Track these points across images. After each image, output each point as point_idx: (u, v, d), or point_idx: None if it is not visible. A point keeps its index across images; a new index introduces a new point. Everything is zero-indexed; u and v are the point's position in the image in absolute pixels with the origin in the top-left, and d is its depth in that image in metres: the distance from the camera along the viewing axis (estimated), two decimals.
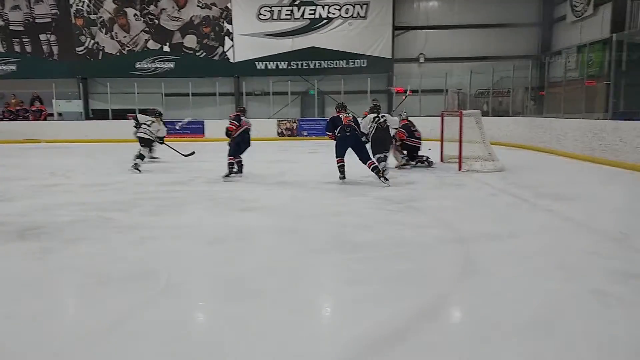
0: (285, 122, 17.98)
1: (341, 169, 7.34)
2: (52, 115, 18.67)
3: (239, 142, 7.98)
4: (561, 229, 4.58)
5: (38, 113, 18.62)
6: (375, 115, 7.81)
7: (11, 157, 12.10)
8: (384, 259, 3.64)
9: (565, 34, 17.06)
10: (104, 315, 2.66)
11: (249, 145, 8.23)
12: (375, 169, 7.03)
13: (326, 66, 18.71)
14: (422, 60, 18.88)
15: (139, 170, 8.68)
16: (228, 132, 8.04)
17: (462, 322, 2.71)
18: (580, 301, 2.82)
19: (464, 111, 9.12)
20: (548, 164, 9.65)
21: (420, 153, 9.25)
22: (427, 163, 9.20)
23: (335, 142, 7.41)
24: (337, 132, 7.28)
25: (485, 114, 15.06)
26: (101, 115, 18.80)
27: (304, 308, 2.79)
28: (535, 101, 15.30)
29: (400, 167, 9.15)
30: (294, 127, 17.97)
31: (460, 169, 8.36)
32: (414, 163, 9.13)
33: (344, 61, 18.60)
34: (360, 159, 7.21)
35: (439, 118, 10.04)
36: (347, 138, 7.20)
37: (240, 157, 8.14)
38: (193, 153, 10.16)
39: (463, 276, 3.32)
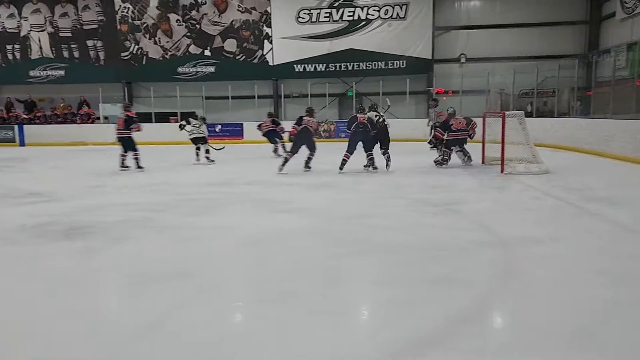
0: (323, 123, 18.00)
1: (344, 162, 8.73)
2: (98, 118, 19.32)
3: (295, 140, 9.06)
4: (607, 233, 4.41)
5: (86, 116, 19.31)
6: (375, 114, 9.09)
7: (60, 159, 12.59)
8: (420, 262, 3.59)
9: (615, 32, 16.40)
10: (144, 314, 2.72)
11: (305, 143, 8.96)
12: (370, 159, 8.71)
13: (364, 68, 18.63)
14: (463, 60, 18.53)
15: (213, 160, 10.69)
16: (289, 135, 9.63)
17: (501, 327, 2.64)
18: (624, 309, 2.70)
19: (507, 112, 8.89)
20: (595, 166, 9.30)
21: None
22: (467, 158, 9.39)
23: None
24: (352, 127, 8.78)
25: (529, 114, 14.67)
26: (144, 118, 19.28)
27: (339, 310, 2.78)
28: (581, 101, 14.77)
29: (436, 162, 9.41)
30: (332, 129, 17.98)
31: (502, 171, 8.16)
32: (448, 159, 9.33)
33: (383, 62, 18.47)
34: (364, 149, 8.70)
35: (481, 119, 9.82)
36: (359, 133, 8.66)
37: (295, 154, 8.99)
38: (223, 147, 11.71)
39: (502, 280, 3.24)
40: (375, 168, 8.71)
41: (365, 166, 8.83)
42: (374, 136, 8.78)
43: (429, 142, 10.10)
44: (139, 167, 9.61)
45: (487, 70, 17.09)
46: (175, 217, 5.27)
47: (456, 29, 18.55)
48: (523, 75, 15.91)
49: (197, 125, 10.84)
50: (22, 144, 18.23)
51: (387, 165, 8.91)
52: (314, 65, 18.82)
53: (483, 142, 9.65)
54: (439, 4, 18.23)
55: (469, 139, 9.43)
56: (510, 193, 6.63)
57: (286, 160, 8.84)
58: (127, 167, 9.78)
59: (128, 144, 9.83)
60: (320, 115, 18.44)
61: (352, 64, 18.64)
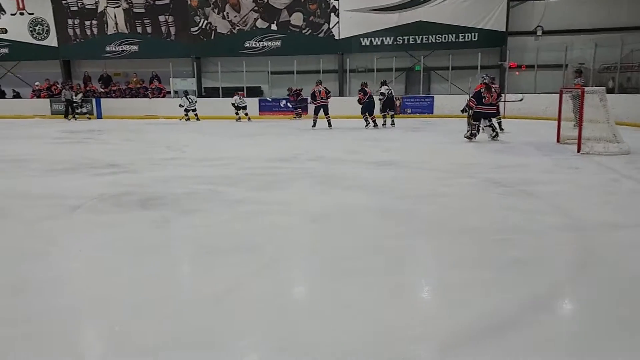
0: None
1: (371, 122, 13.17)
2: (169, 92, 19.99)
3: (367, 104, 13.21)
4: None
5: (157, 91, 20.02)
6: (386, 87, 13.39)
7: (134, 132, 13.18)
8: (492, 245, 3.46)
9: None
10: (213, 284, 2.80)
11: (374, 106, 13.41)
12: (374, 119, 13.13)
13: (433, 41, 18.02)
14: (539, 32, 17.46)
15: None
16: (358, 100, 13.42)
17: (580, 315, 2.50)
18: None
19: (586, 88, 8.36)
20: None
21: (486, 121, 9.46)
22: (495, 134, 9.35)
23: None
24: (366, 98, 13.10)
25: (610, 91, 13.72)
26: (212, 92, 19.79)
27: (406, 290, 2.74)
28: None
29: (466, 137, 9.39)
30: (398, 105, 17.62)
31: (579, 150, 7.70)
32: (477, 133, 9.35)
33: (453, 35, 17.77)
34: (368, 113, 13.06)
35: (557, 95, 9.29)
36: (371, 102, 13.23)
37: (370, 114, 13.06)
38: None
39: (581, 267, 3.06)
40: (375, 125, 13.12)
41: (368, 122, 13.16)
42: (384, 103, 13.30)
43: (462, 111, 9.94)
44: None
45: (565, 43, 16.07)
46: (241, 191, 5.37)
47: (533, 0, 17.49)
48: (605, 49, 14.87)
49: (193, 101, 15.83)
50: (99, 116, 19.21)
51: (392, 123, 13.39)
52: (380, 38, 18.42)
53: (559, 120, 9.14)
54: None
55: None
56: (587, 174, 6.25)
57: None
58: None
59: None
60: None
61: (420, 37, 18.07)
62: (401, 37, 18.23)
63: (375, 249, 3.42)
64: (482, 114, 9.28)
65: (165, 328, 2.27)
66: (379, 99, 13.55)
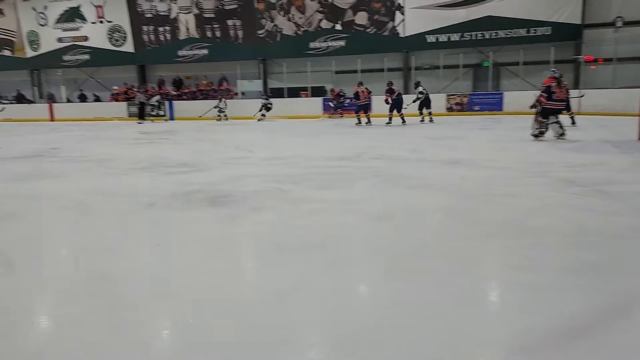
0: (455, 96, 17.31)
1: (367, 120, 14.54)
2: (236, 94, 20.58)
3: (395, 101, 14.38)
4: None
5: (225, 92, 20.66)
6: (422, 87, 14.79)
7: (203, 132, 13.69)
8: (564, 247, 3.31)
9: None
10: (279, 281, 2.86)
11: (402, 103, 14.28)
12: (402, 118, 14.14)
13: (503, 36, 17.44)
14: (619, 24, 16.44)
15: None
16: (385, 101, 14.40)
17: None
18: None
19: None
20: None
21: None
22: (562, 130, 8.86)
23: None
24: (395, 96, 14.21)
25: None
26: (277, 93, 20.19)
27: (473, 292, 2.68)
28: None
29: (534, 136, 8.91)
30: (465, 102, 17.21)
31: None
32: (545, 131, 8.89)
33: (524, 30, 17.11)
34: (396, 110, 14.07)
35: (638, 90, 8.73)
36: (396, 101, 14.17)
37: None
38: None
39: None
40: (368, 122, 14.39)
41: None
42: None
43: (531, 107, 9.43)
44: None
45: None
46: (306, 189, 5.45)
47: None
48: None
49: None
50: (171, 118, 20.09)
51: (430, 119, 14.63)
52: (447, 35, 18.06)
53: None
54: None
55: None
56: None
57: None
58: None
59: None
60: (454, 88, 17.79)
61: (489, 32, 17.55)
62: (469, 33, 17.78)
63: (441, 249, 3.37)
64: (551, 110, 8.83)
65: (230, 324, 2.35)
66: (418, 99, 14.96)
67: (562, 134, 8.93)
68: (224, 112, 18.67)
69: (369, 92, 14.76)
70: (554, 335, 2.16)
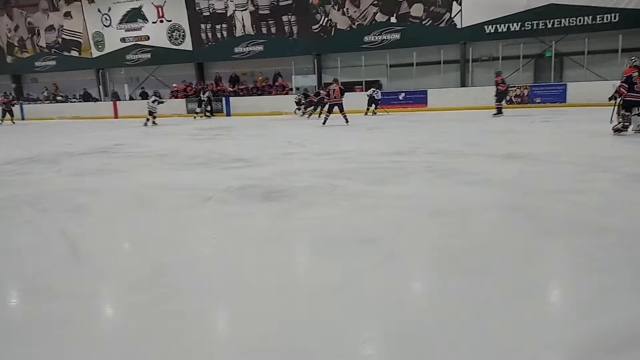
0: (514, 88, 16.70)
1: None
2: (292, 89, 20.75)
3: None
4: None
5: (280, 88, 20.88)
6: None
7: (259, 128, 13.90)
8: (632, 248, 3.11)
9: None
10: (332, 276, 2.86)
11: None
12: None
13: (567, 24, 16.64)
14: None
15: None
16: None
17: None
18: None
19: None
20: None
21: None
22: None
23: None
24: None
25: None
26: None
27: (534, 292, 2.56)
28: None
29: (615, 130, 8.32)
30: (525, 94, 16.58)
31: None
32: (630, 124, 8.25)
33: (590, 17, 16.25)
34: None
35: None
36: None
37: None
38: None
39: None
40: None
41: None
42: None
43: (610, 98, 8.79)
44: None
45: None
46: (359, 184, 5.41)
47: None
48: None
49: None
50: (228, 114, 20.53)
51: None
52: (507, 24, 17.43)
53: None
54: None
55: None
56: None
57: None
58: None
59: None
60: (513, 79, 17.19)
61: (552, 20, 16.79)
62: (530, 22, 17.09)
63: (499, 247, 3.25)
64: (634, 102, 8.21)
65: (282, 317, 2.37)
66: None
67: None
68: (153, 114, 16.50)
69: (342, 91, 13.62)
70: (621, 341, 2.03)
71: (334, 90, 13.35)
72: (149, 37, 23.60)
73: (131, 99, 24.08)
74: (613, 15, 15.98)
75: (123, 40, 24.09)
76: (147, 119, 16.17)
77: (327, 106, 13.66)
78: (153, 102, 16.29)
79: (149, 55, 23.78)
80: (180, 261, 3.19)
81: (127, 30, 23.94)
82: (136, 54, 24.00)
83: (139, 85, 24.37)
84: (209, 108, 20.17)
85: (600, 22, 16.21)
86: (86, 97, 24.95)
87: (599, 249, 3.12)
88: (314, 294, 2.63)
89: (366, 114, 17.28)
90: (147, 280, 2.89)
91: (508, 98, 16.67)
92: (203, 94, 20.25)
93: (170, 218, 4.34)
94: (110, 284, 2.92)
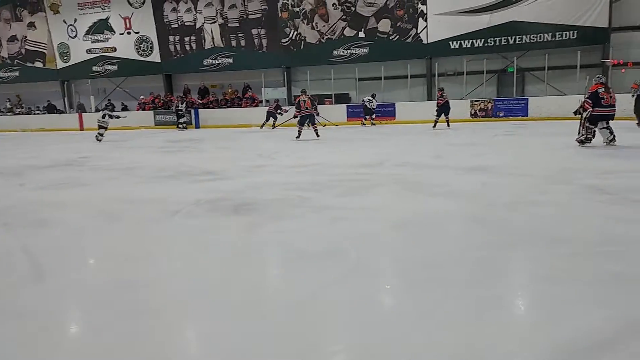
0: (479, 102, 17.15)
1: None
2: (261, 102, 20.78)
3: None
4: None
5: (250, 100, 20.89)
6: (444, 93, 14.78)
7: (228, 141, 13.86)
8: (591, 258, 3.25)
9: None
10: (300, 289, 2.89)
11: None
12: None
13: (528, 41, 17.22)
14: None
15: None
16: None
17: None
18: None
19: None
20: None
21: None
22: (612, 137, 8.64)
23: None
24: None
25: None
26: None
27: (493, 303, 2.65)
28: None
29: (579, 142, 8.70)
30: (489, 108, 17.04)
31: None
32: (592, 137, 8.63)
33: (549, 34, 16.86)
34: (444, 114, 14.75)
35: None
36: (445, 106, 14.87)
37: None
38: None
39: None
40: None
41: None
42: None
43: (575, 112, 9.21)
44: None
45: None
46: (328, 197, 5.47)
47: None
48: None
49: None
50: (197, 126, 20.39)
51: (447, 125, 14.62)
52: (470, 40, 17.93)
53: None
54: None
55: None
56: None
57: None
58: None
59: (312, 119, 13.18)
60: (478, 94, 17.64)
61: (513, 37, 17.36)
62: (492, 39, 17.62)
63: (462, 258, 3.34)
64: (600, 116, 8.58)
65: (250, 331, 2.39)
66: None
67: (612, 140, 8.69)
68: (104, 127, 15.04)
69: (313, 103, 13.43)
70: (576, 351, 2.12)
71: (305, 101, 12.98)
72: (116, 49, 23.30)
73: (97, 110, 23.61)
74: (571, 32, 16.64)
75: (89, 51, 23.71)
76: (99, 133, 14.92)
77: (299, 119, 13.23)
78: (103, 117, 14.92)
79: (115, 67, 23.47)
80: (146, 277, 3.17)
81: (94, 41, 23.59)
82: (103, 65, 23.65)
83: (105, 97, 23.98)
84: (182, 120, 19.97)
85: (560, 39, 16.84)
86: (50, 109, 24.39)
87: (557, 259, 3.24)
88: (282, 307, 2.65)
89: (363, 124, 17.44)
90: (113, 297, 2.87)
91: (473, 112, 17.11)
92: (181, 104, 20.08)
93: (136, 233, 4.30)
94: (75, 302, 2.88)
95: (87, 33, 23.55)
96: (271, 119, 17.97)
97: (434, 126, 14.82)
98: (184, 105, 20.02)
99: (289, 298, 2.77)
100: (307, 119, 13.05)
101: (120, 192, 6.30)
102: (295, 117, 13.66)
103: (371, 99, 17.38)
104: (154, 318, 2.56)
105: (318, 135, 12.97)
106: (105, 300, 2.81)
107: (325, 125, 16.67)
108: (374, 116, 17.37)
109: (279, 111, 17.83)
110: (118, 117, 15.48)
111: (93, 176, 7.79)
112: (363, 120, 17.63)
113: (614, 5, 16.16)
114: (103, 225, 4.64)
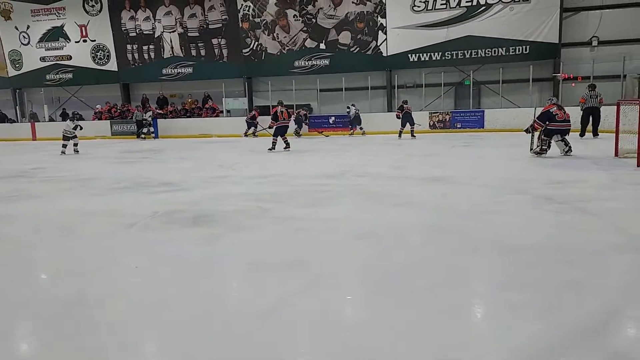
0: (437, 114, 17.52)
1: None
2: (222, 112, 20.59)
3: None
4: None
5: (210, 110, 20.66)
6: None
7: (188, 151, 13.63)
8: (545, 265, 3.35)
9: None
10: (261, 301, 2.85)
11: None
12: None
13: (483, 55, 17.73)
14: (595, 43, 16.86)
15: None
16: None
17: (635, 342, 2.37)
18: None
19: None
20: None
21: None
22: (568, 148, 9.07)
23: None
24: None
25: None
26: (263, 111, 20.26)
27: (453, 311, 2.69)
28: None
29: (535, 153, 9.12)
30: (447, 119, 17.42)
31: (639, 165, 7.34)
32: (547, 149, 9.08)
33: (503, 49, 17.41)
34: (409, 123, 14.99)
35: (614, 107, 8.94)
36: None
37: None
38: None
39: None
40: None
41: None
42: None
43: (525, 130, 9.69)
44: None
45: (623, 53, 15.43)
46: (289, 207, 5.45)
47: (587, 10, 16.92)
48: None
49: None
50: (156, 136, 19.98)
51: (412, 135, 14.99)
52: (429, 54, 18.31)
53: (617, 133, 8.77)
54: None
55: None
56: None
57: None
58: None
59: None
60: (436, 106, 18.02)
61: (469, 51, 17.84)
62: (450, 52, 18.06)
63: (423, 268, 3.38)
64: (555, 130, 9.07)
65: (210, 345, 2.33)
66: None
67: (568, 151, 9.10)
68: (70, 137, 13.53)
69: (290, 114, 13.20)
70: (530, 356, 2.17)
71: (282, 112, 12.41)
72: (71, 57, 22.64)
73: (51, 120, 22.87)
74: (524, 47, 17.25)
75: (43, 59, 22.94)
76: (65, 145, 13.49)
77: (274, 130, 12.53)
78: (75, 128, 13.46)
79: (70, 75, 22.78)
80: (100, 292, 3.05)
81: (48, 49, 22.85)
82: (57, 73, 22.91)
83: (60, 106, 23.22)
84: (145, 130, 19.46)
85: (513, 53, 17.43)
86: (1, 119, 23.41)
87: (513, 268, 3.32)
88: (243, 321, 2.61)
89: (351, 134, 17.38)
90: (66, 314, 2.75)
91: (432, 123, 17.46)
92: (145, 113, 19.60)
93: (90, 246, 4.15)
94: (26, 319, 2.75)
95: (40, 40, 22.80)
96: (252, 128, 18.00)
97: (399, 136, 15.07)
98: (149, 115, 19.56)
99: (250, 310, 2.73)
100: (283, 130, 12.49)
101: (74, 204, 6.08)
102: (270, 127, 13.42)
103: (352, 106, 17.45)
104: (108, 336, 2.47)
105: (289, 147, 12.47)
106: (58, 317, 2.69)
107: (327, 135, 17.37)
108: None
109: (256, 121, 17.94)
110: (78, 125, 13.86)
111: (45, 188, 7.50)
112: (351, 130, 17.51)
113: (564, 22, 16.87)
114: (55, 239, 4.46)
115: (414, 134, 15.12)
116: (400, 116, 15.02)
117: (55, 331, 2.52)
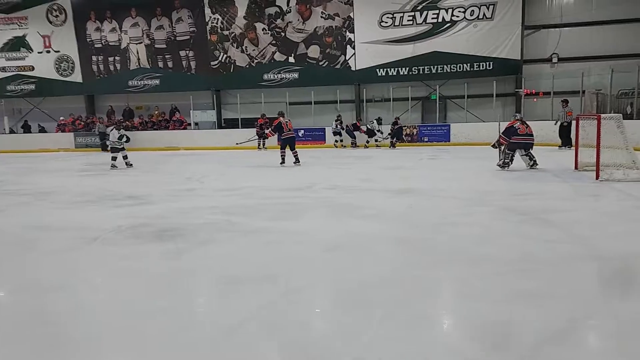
0: (405, 128, 17.77)
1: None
2: (189, 124, 20.37)
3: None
4: None
5: (178, 123, 20.42)
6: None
7: (155, 163, 13.41)
8: (508, 275, 3.42)
9: None
10: (229, 315, 2.82)
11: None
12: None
13: (448, 70, 18.15)
14: (555, 60, 17.49)
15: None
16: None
17: (598, 352, 2.44)
18: None
19: (602, 114, 8.32)
20: None
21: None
22: (532, 162, 9.34)
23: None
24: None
25: (629, 116, 13.59)
26: (232, 124, 20.14)
27: (419, 322, 2.71)
28: None
29: (499, 166, 9.38)
30: (414, 133, 17.68)
31: (597, 177, 7.61)
32: (510, 162, 9.37)
33: (468, 65, 17.87)
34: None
35: (574, 122, 9.27)
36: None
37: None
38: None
39: (602, 299, 3.00)
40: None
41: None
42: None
43: (492, 146, 9.96)
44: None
45: (582, 70, 16.03)
46: (257, 220, 5.42)
47: (547, 27, 17.54)
48: (622, 75, 14.77)
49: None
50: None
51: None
52: (396, 69, 18.63)
53: (576, 147, 9.10)
54: (529, 1, 17.38)
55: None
56: (607, 202, 6.17)
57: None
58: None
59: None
60: (404, 120, 18.28)
61: (435, 66, 18.22)
62: (417, 67, 18.41)
63: (391, 279, 3.41)
64: (517, 144, 9.32)
65: (180, 359, 2.29)
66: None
67: (534, 165, 9.34)
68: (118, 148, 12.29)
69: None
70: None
71: (286, 123, 11.61)
72: (33, 68, 22.07)
73: (12, 132, 22.19)
74: (488, 63, 17.74)
75: (3, 69, 22.31)
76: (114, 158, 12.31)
77: (281, 142, 11.79)
78: (120, 138, 12.28)
79: (33, 87, 22.19)
80: (64, 309, 2.96)
81: (9, 59, 22.24)
82: (19, 84, 22.29)
83: (21, 118, 22.57)
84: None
85: (477, 69, 17.90)
86: None
87: (478, 278, 3.38)
88: (210, 336, 2.57)
89: (366, 146, 17.10)
90: (26, 331, 2.65)
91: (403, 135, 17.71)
92: (118, 128, 19.09)
93: (51, 262, 4.03)
94: None
95: (1, 50, 22.19)
96: (262, 140, 17.47)
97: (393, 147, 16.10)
98: (111, 130, 19.06)
99: (218, 326, 2.69)
100: (288, 142, 11.73)
101: (33, 218, 5.90)
102: (267, 137, 13.44)
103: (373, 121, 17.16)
104: (70, 353, 2.39)
105: (298, 162, 11.55)
106: (17, 335, 2.60)
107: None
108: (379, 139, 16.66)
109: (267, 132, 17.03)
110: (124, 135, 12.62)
111: (3, 202, 7.25)
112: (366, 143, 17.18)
113: (526, 39, 17.45)
114: (15, 254, 4.32)
115: (395, 146, 16.10)
116: (394, 130, 16.12)
117: (16, 349, 2.42)
